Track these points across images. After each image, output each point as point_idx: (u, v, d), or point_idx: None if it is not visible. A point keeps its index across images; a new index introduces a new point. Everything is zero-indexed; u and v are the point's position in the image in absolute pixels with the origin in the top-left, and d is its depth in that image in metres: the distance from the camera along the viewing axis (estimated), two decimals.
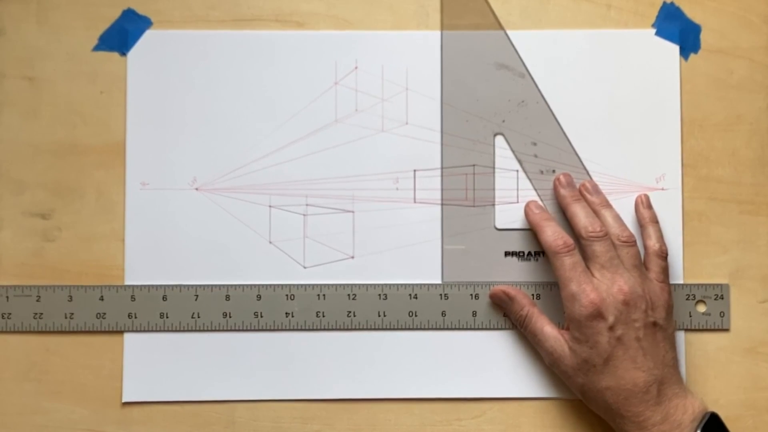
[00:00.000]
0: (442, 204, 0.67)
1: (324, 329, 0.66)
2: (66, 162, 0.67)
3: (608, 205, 0.65)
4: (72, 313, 0.66)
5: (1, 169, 0.67)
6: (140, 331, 0.66)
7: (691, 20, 0.68)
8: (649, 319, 0.61)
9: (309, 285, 0.66)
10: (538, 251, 0.67)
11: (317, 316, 0.66)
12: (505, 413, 0.66)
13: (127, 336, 0.66)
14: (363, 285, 0.67)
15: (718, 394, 0.66)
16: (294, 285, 0.66)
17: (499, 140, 0.67)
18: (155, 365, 0.66)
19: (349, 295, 0.66)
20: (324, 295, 0.66)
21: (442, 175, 0.67)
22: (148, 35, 0.68)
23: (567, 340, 0.62)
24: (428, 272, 0.67)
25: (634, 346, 0.60)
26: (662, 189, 0.67)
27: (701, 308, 0.66)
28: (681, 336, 0.66)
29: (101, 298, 0.66)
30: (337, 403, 0.66)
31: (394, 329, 0.66)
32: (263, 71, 0.67)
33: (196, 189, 0.67)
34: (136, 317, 0.66)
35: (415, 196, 0.67)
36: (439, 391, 0.66)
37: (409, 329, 0.66)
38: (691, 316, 0.66)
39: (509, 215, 0.67)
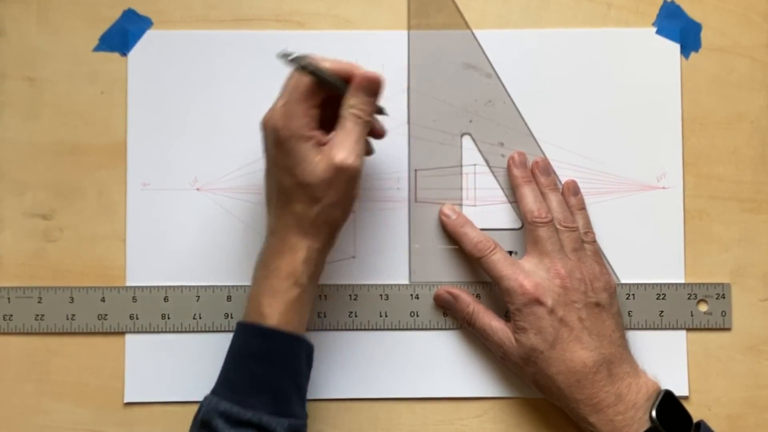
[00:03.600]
0: (409, 202, 0.67)
1: (325, 329, 0.66)
2: (67, 162, 0.67)
3: (555, 188, 0.66)
4: (73, 315, 0.66)
5: (2, 170, 0.67)
6: (142, 332, 0.66)
7: (691, 19, 0.68)
8: (590, 299, 0.62)
9: None
10: (513, 251, 0.67)
11: (319, 316, 0.66)
12: (507, 412, 0.66)
13: (129, 337, 0.66)
14: (364, 285, 0.67)
15: (720, 392, 0.66)
16: None
17: (466, 140, 0.68)
18: (157, 366, 0.66)
19: (350, 295, 0.66)
20: (325, 295, 0.66)
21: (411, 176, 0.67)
22: (149, 35, 0.68)
23: (512, 332, 0.63)
24: (429, 272, 0.67)
25: (578, 327, 0.61)
26: (663, 187, 0.67)
27: (703, 307, 0.66)
28: (683, 335, 0.66)
29: (103, 300, 0.66)
30: (339, 402, 0.66)
31: (395, 329, 0.66)
32: (263, 71, 0.67)
33: (197, 189, 0.67)
34: (137, 318, 0.66)
35: (416, 196, 0.67)
36: (440, 391, 0.66)
37: (411, 329, 0.66)
38: (692, 315, 0.66)
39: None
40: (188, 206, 0.67)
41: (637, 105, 0.67)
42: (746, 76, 0.68)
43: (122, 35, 0.68)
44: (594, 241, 0.65)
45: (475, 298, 0.66)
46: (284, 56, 0.57)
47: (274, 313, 0.58)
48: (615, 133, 0.67)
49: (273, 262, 0.59)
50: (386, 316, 0.66)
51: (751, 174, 0.67)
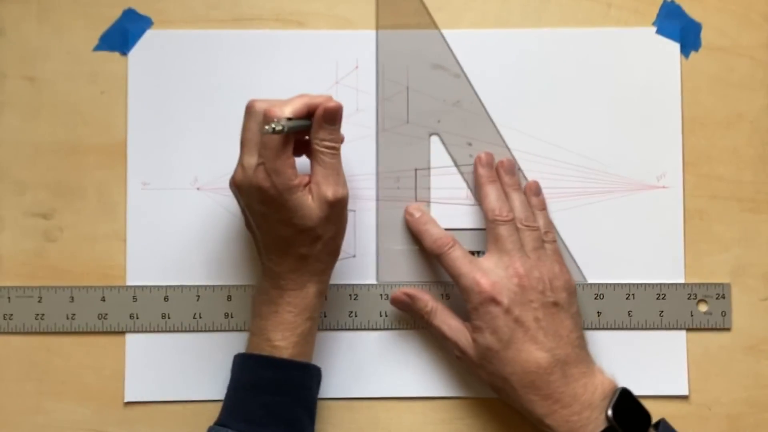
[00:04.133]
0: (377, 201, 0.67)
1: (326, 329, 0.66)
2: (67, 162, 0.67)
3: (518, 188, 0.66)
4: (74, 314, 0.66)
5: (2, 170, 0.67)
6: (142, 331, 0.66)
7: (691, 18, 0.68)
8: (548, 299, 0.62)
9: None
10: (480, 251, 0.66)
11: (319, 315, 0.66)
12: (507, 411, 0.66)
13: (129, 336, 0.66)
14: (364, 285, 0.67)
15: (720, 392, 0.66)
16: None
17: (434, 140, 0.68)
18: (157, 365, 0.66)
19: (350, 294, 0.66)
20: (325, 295, 0.66)
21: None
22: (149, 35, 0.68)
23: (470, 331, 0.62)
24: (429, 271, 0.67)
25: (534, 327, 0.61)
26: (663, 187, 0.67)
27: (703, 308, 0.66)
28: (683, 335, 0.66)
29: (103, 299, 0.66)
30: (339, 401, 0.66)
31: (395, 329, 0.66)
32: (263, 71, 0.67)
33: (198, 189, 0.67)
34: (137, 318, 0.66)
35: (416, 195, 0.67)
36: (440, 390, 0.66)
37: (411, 328, 0.66)
38: (692, 316, 0.66)
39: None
40: (188, 206, 0.67)
41: (637, 105, 0.67)
42: (746, 76, 0.68)
43: (122, 35, 0.68)
44: (554, 241, 0.65)
45: (433, 297, 0.65)
46: (271, 131, 0.55)
47: (288, 345, 0.60)
48: (615, 133, 0.67)
49: (283, 299, 0.60)
50: (386, 316, 0.66)
51: (751, 174, 0.67)
